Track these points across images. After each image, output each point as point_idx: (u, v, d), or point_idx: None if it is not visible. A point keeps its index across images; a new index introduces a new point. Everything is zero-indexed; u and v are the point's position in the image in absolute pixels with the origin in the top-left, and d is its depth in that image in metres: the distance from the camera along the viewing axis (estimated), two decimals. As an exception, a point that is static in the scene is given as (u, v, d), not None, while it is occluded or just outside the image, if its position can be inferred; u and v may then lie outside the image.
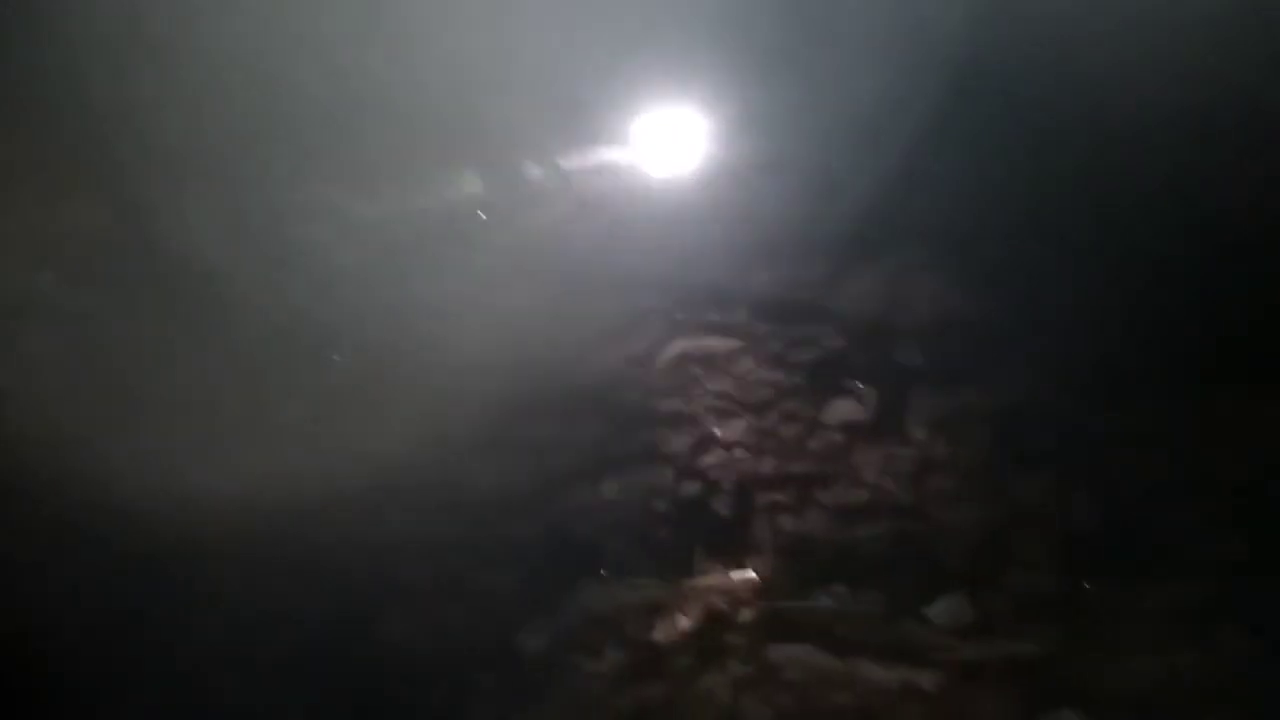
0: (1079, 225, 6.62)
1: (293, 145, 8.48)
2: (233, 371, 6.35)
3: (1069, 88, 7.36)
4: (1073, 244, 6.47)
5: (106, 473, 4.99)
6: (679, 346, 6.31)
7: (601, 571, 4.57)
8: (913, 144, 7.88)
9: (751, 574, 4.39)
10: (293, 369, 6.40)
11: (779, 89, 9.11)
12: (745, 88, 9.36)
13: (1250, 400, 4.91)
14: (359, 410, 6.07)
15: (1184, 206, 6.24)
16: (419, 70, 9.46)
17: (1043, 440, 5.07)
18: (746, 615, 4.21)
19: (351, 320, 7.11)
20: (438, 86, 9.35)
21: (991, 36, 7.89)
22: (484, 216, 8.95)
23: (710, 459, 5.35)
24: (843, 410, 5.52)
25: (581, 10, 10.03)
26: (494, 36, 9.98)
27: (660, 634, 4.17)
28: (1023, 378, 5.55)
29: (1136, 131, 6.69)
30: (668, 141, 9.67)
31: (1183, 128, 6.42)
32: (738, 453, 5.38)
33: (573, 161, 9.85)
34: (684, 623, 4.21)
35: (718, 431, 5.55)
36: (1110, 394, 5.23)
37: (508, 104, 9.75)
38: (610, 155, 9.79)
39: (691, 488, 5.15)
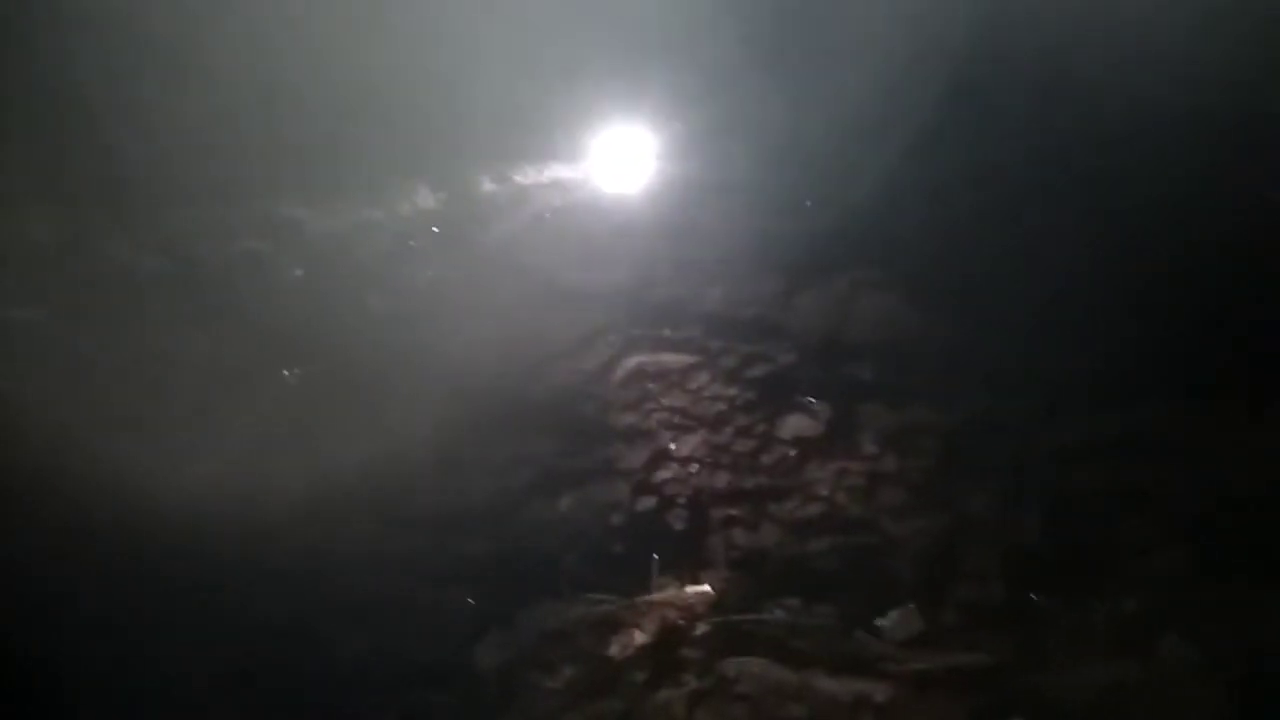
0: (1035, 240, 6.73)
1: (244, 159, 8.43)
2: (183, 386, 6.29)
3: (1055, 94, 7.48)
4: (1025, 259, 6.58)
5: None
6: (634, 362, 6.35)
7: (558, 587, 4.58)
8: (868, 162, 8.03)
9: (706, 588, 4.42)
10: (245, 383, 6.34)
11: (733, 107, 9.25)
12: (700, 106, 9.49)
13: (1196, 414, 5.03)
14: (312, 425, 6.05)
15: (1159, 218, 6.40)
16: (373, 86, 9.48)
17: (991, 455, 5.16)
18: (701, 629, 4.24)
19: (305, 335, 7.07)
20: (391, 102, 9.38)
21: (971, 43, 7.99)
22: (437, 231, 8.94)
23: (665, 474, 5.39)
24: (796, 425, 5.59)
25: (537, 27, 10.11)
26: (449, 53, 10.02)
27: (616, 649, 4.19)
28: (971, 393, 5.65)
29: (1129, 137, 6.84)
30: (622, 158, 9.75)
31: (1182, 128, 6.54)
32: (692, 467, 5.43)
33: (527, 176, 9.89)
34: (640, 638, 4.24)
35: (673, 446, 5.59)
36: (1058, 409, 5.34)
37: (462, 119, 9.78)
38: (564, 171, 9.84)
39: (647, 503, 5.18)
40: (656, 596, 4.42)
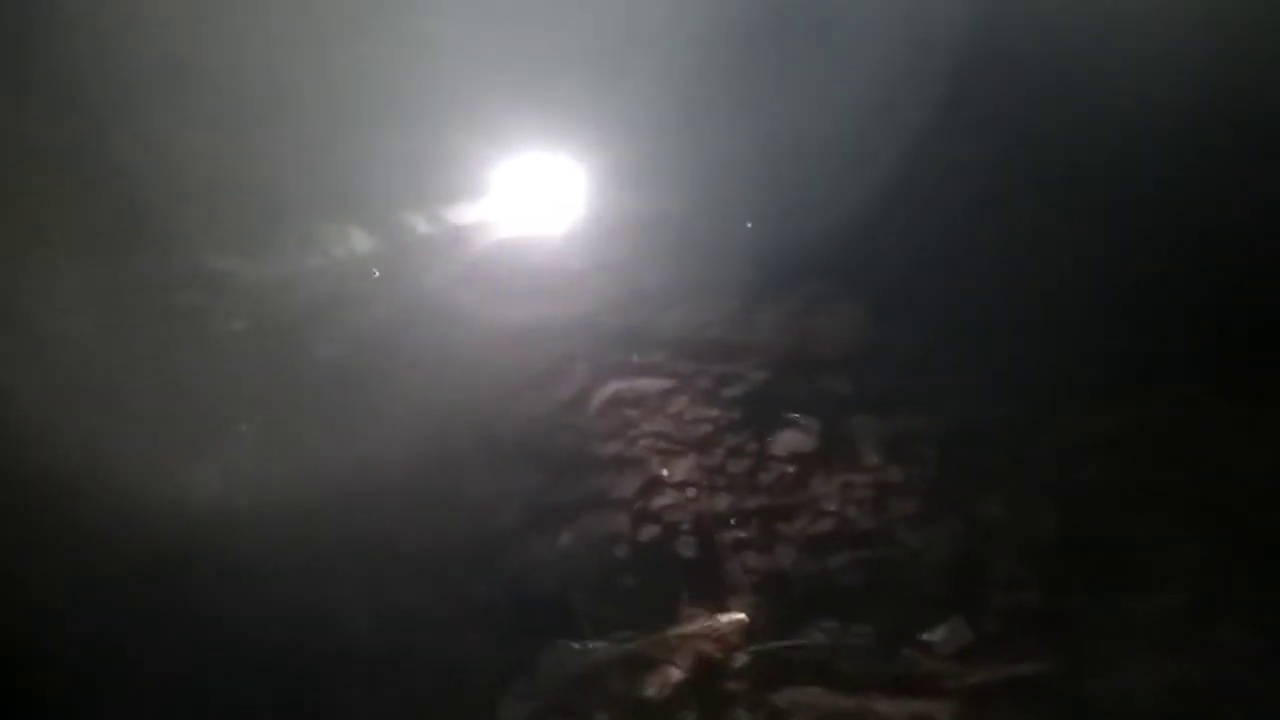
0: (1004, 241, 6.49)
1: (174, 210, 7.82)
2: (133, 446, 5.65)
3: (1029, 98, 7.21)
4: (993, 261, 6.34)
5: None
6: (609, 389, 5.95)
7: (575, 627, 4.13)
8: (810, 179, 7.80)
9: (740, 616, 4.03)
10: (201, 439, 5.75)
11: (671, 134, 8.96)
12: (636, 134, 9.18)
13: (1191, 409, 4.83)
14: (276, 477, 5.47)
15: (1135, 211, 6.21)
16: (292, 132, 8.97)
17: (991, 458, 4.90)
18: (741, 660, 3.86)
19: (254, 386, 6.51)
20: (313, 147, 8.87)
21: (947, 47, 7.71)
22: (378, 274, 8.43)
23: (663, 501, 4.99)
24: (789, 441, 5.25)
25: (460, 66, 9.72)
26: (369, 96, 9.57)
27: (653, 689, 3.77)
28: (956, 398, 5.40)
29: (1112, 134, 6.63)
30: (557, 192, 9.39)
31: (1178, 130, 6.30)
32: (689, 492, 5.04)
33: (462, 216, 9.44)
34: (676, 674, 3.82)
35: (664, 472, 5.20)
36: (1048, 410, 5.10)
37: (389, 162, 9.33)
38: (500, 208, 9.43)
39: (650, 532, 4.78)
40: (686, 629, 4.00)
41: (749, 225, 8.44)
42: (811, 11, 8.81)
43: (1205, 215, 5.78)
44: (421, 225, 9.24)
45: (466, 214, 9.45)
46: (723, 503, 4.93)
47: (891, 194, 7.12)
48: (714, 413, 5.70)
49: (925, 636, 3.81)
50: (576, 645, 4.02)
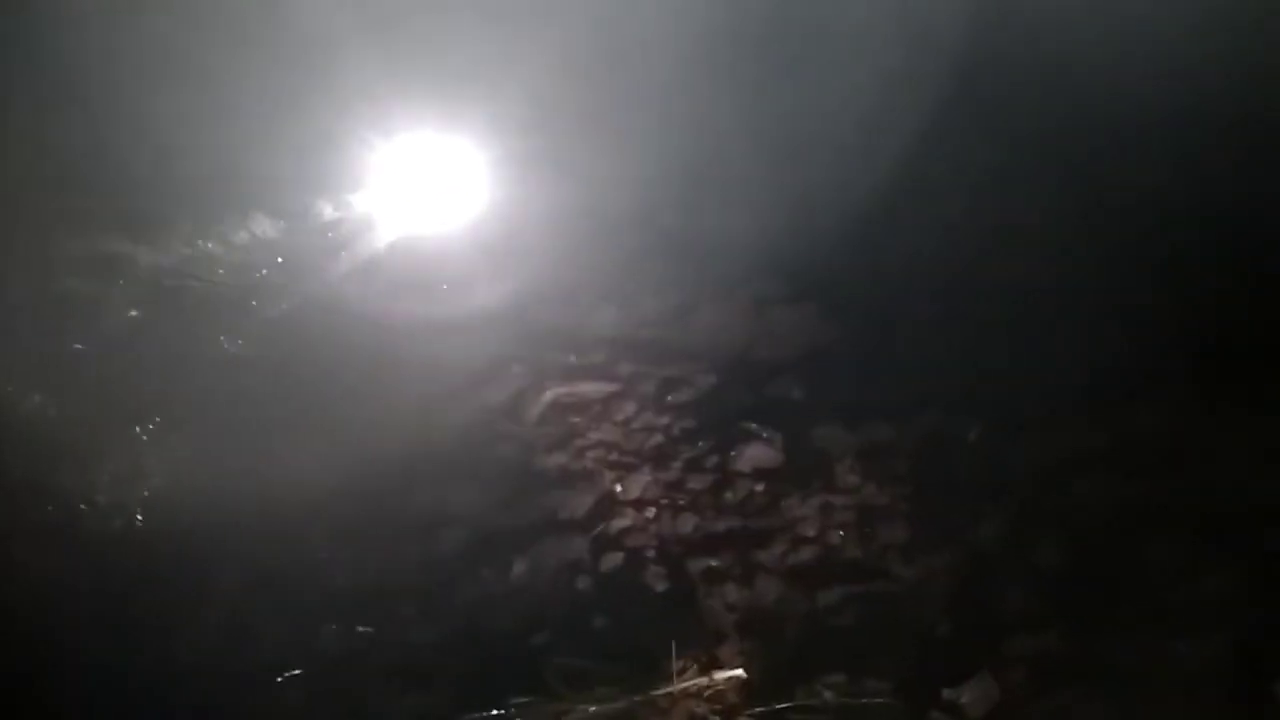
0: (952, 244, 5.83)
1: (58, 189, 6.62)
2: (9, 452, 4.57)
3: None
4: (952, 261, 5.67)
5: None
6: (549, 394, 5.11)
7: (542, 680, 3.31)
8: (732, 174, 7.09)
9: (739, 672, 3.27)
10: (89, 448, 4.68)
11: (596, 120, 8.12)
12: (560, 121, 8.30)
13: (1188, 413, 4.25)
14: (175, 493, 4.48)
15: (1115, 210, 5.62)
16: (195, 108, 7.83)
17: (974, 474, 4.26)
18: (743, 726, 3.10)
19: (150, 384, 5.45)
20: (216, 123, 7.75)
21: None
22: (283, 261, 7.35)
23: (622, 522, 4.21)
24: (753, 456, 4.52)
25: (365, 45, 8.70)
26: (275, 69, 8.47)
27: (642, 763, 2.99)
28: (921, 408, 4.73)
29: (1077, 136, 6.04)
30: (474, 179, 8.45)
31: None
32: (650, 512, 4.27)
33: (371, 201, 8.41)
34: (666, 742, 3.04)
35: (619, 489, 4.41)
36: (1028, 420, 4.46)
37: (292, 143, 8.25)
38: (413, 194, 8.43)
39: (613, 559, 4.00)
40: (677, 686, 3.21)
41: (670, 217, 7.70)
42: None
43: (1199, 218, 5.18)
44: (329, 211, 8.20)
45: (377, 199, 8.45)
46: (688, 525, 4.18)
47: (846, 188, 6.38)
48: (664, 421, 4.93)
49: (949, 695, 3.12)
50: (544, 704, 3.20)
